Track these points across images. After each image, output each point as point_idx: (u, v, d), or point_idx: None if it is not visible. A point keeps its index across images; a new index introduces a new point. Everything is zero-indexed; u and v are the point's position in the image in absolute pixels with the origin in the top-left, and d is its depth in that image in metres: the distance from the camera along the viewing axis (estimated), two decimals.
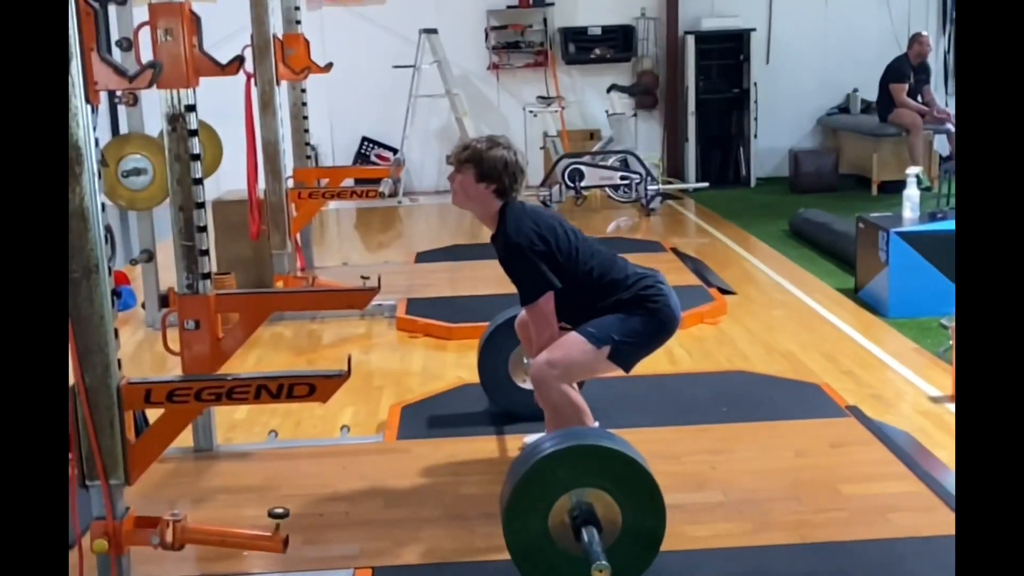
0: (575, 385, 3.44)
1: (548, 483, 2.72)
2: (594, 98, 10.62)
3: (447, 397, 4.43)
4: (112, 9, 5.19)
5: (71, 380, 2.57)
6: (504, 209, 3.27)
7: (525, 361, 3.91)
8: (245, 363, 5.01)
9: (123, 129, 5.85)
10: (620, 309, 3.26)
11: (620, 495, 2.72)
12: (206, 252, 3.54)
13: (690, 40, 10.31)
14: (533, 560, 2.74)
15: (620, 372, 3.33)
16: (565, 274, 3.25)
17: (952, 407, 4.13)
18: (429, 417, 4.20)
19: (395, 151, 10.20)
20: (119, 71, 2.56)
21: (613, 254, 3.44)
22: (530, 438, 3.68)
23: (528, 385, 3.94)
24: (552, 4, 10.47)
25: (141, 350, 5.41)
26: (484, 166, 3.24)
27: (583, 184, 8.76)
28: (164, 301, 3.63)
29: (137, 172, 5.30)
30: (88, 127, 2.49)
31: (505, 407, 4.05)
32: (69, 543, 2.76)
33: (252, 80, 5.33)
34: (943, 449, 3.72)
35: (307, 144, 6.49)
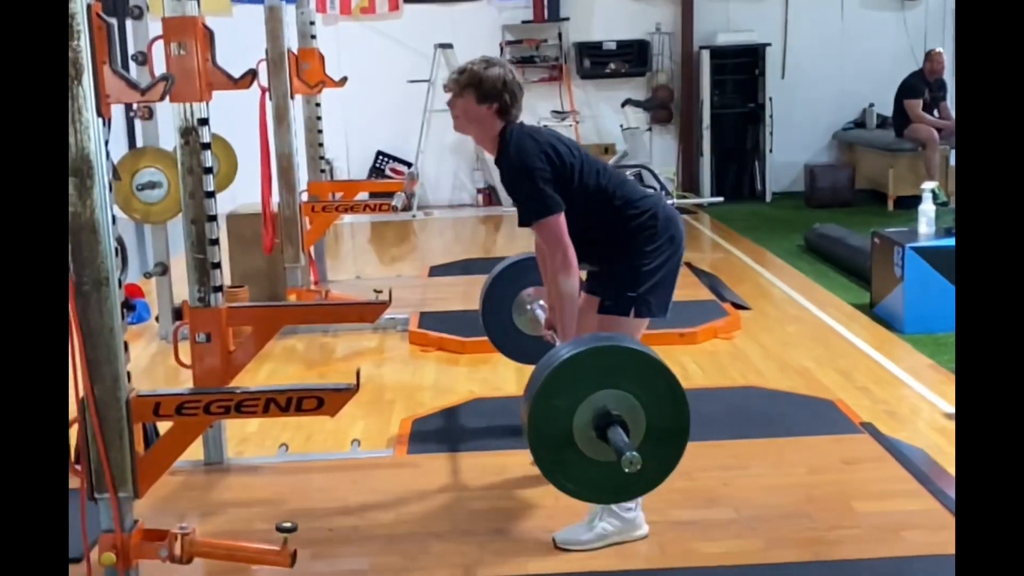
0: None
1: (571, 386, 2.63)
2: (609, 112, 10.63)
3: (458, 412, 4.42)
4: (129, 23, 5.22)
5: (81, 393, 2.57)
6: (505, 131, 3.19)
7: (528, 307, 3.81)
8: (257, 376, 5.01)
9: (139, 143, 5.88)
10: (626, 248, 3.17)
11: (642, 395, 2.62)
12: (218, 265, 3.55)
13: (705, 55, 10.31)
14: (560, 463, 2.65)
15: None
16: (575, 190, 3.15)
17: None
18: (440, 431, 4.19)
19: (410, 165, 10.22)
20: (131, 84, 2.56)
21: (620, 172, 3.38)
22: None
23: (531, 331, 3.83)
24: (567, 19, 10.49)
25: (155, 363, 5.41)
26: (484, 87, 3.16)
27: None
28: (178, 314, 3.64)
29: (152, 185, 5.32)
30: (100, 140, 2.49)
31: (513, 355, 3.98)
32: (78, 556, 2.77)
33: (267, 94, 5.35)
34: None
35: (321, 158, 6.51)
